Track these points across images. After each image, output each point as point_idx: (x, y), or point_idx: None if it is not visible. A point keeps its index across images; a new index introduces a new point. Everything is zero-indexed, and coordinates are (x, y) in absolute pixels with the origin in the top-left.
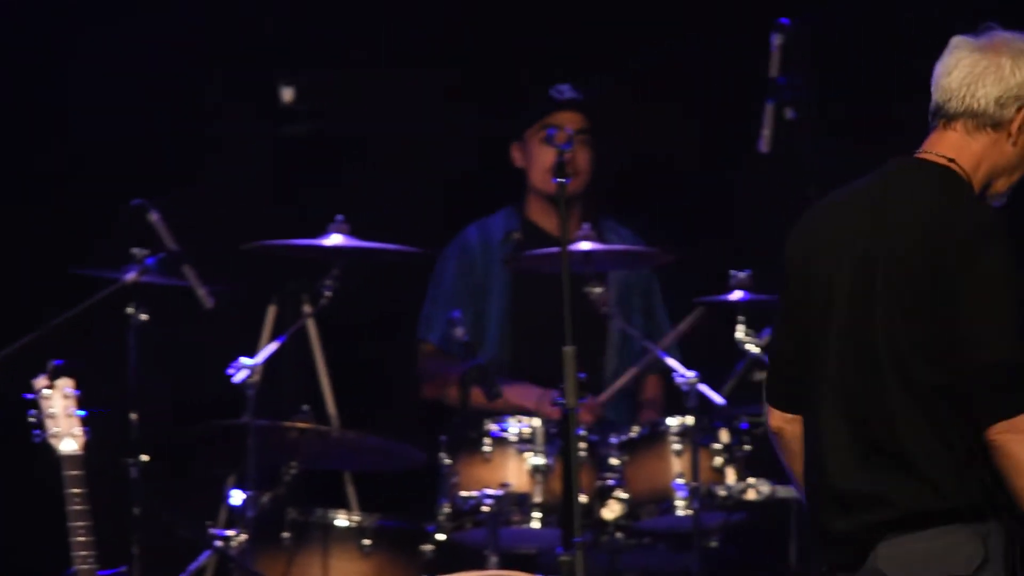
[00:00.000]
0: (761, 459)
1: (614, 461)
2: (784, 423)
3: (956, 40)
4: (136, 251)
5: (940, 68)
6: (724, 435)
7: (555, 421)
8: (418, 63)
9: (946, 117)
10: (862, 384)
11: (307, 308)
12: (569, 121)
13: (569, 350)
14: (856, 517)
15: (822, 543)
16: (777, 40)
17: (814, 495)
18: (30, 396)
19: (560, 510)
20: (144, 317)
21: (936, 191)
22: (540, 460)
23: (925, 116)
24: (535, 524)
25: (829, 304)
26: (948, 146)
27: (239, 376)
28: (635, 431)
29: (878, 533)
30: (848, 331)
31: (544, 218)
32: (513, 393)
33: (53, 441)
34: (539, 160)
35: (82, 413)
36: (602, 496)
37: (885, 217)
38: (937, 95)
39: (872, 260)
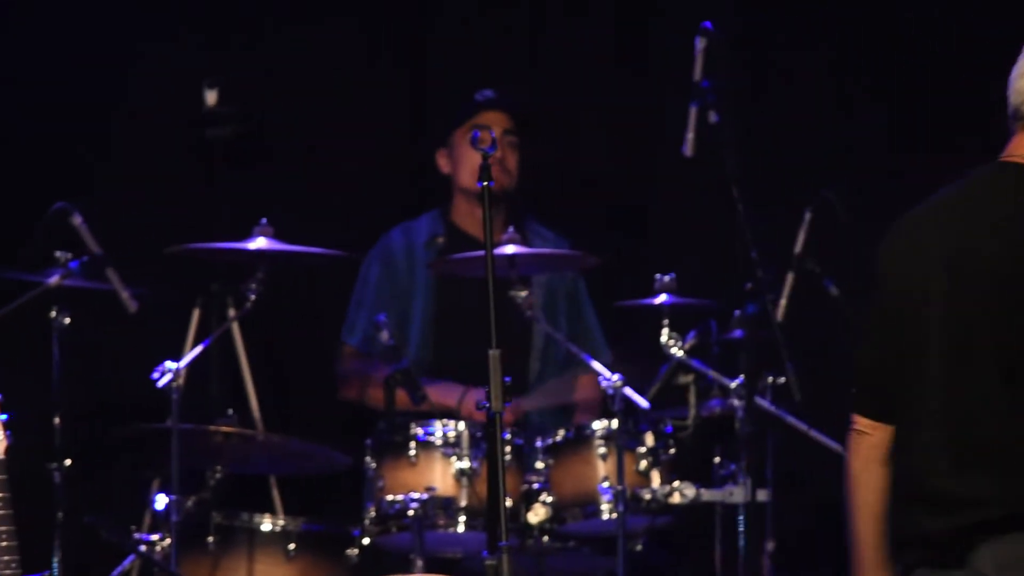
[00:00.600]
0: (686, 462)
1: (539, 465)
2: (871, 429)
3: None
4: (59, 254)
5: (1015, 71)
6: (649, 439)
7: (480, 425)
8: (343, 64)
9: (1022, 120)
10: (962, 385)
11: (231, 311)
12: (496, 121)
13: (494, 353)
14: (956, 518)
15: (914, 543)
16: (701, 43)
17: (909, 498)
18: None
19: (485, 514)
20: (67, 321)
21: (1019, 190)
22: (465, 464)
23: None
24: (460, 528)
25: (924, 309)
26: None
27: (163, 380)
28: (560, 435)
29: (980, 534)
30: (946, 334)
31: (469, 221)
32: (435, 392)
33: None
34: (467, 160)
35: (4, 417)
36: (528, 500)
37: (971, 220)
38: (1012, 98)
39: (964, 262)
